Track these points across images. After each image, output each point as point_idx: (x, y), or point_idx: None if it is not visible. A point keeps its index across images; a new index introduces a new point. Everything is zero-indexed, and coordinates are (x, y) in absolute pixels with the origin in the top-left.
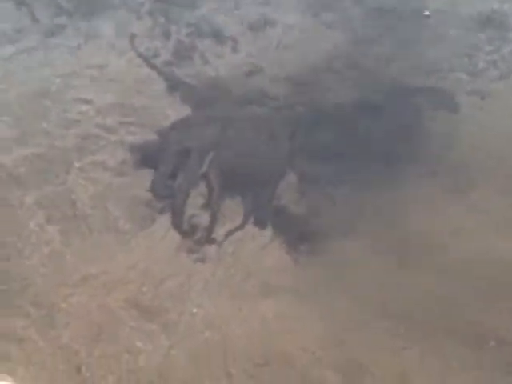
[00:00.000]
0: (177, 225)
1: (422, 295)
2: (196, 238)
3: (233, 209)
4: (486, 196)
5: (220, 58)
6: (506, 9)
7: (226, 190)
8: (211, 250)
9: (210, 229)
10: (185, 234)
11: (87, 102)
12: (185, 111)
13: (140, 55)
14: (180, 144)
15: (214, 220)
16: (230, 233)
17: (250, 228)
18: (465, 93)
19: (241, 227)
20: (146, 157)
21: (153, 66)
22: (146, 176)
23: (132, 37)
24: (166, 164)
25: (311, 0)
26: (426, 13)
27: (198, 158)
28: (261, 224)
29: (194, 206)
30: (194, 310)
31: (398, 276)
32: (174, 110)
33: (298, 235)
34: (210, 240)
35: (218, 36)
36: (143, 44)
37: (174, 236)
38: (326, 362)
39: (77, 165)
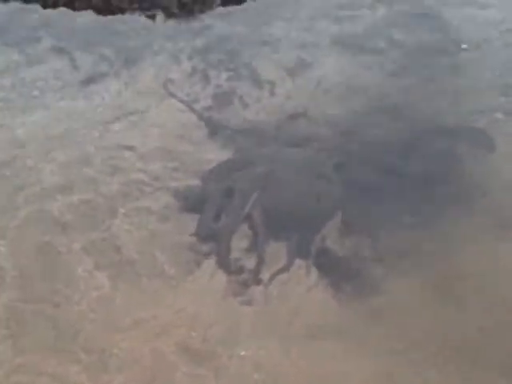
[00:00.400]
0: (224, 265)
1: (470, 333)
2: (242, 280)
3: (277, 251)
4: None
5: (259, 101)
6: None
7: (270, 232)
8: (257, 292)
9: (256, 270)
10: (233, 274)
11: (130, 148)
12: (227, 155)
13: (181, 101)
14: (224, 186)
15: (260, 261)
16: (274, 275)
17: (295, 270)
18: (502, 133)
19: (285, 270)
20: (190, 202)
21: (193, 111)
22: (190, 221)
23: (166, 83)
24: (210, 206)
25: (347, 42)
26: (464, 46)
27: (241, 200)
28: (305, 266)
29: (239, 249)
30: (242, 353)
31: (446, 314)
32: (217, 155)
33: (343, 276)
34: (257, 281)
35: (256, 80)
36: (183, 89)
37: (220, 279)
38: None
39: (122, 211)
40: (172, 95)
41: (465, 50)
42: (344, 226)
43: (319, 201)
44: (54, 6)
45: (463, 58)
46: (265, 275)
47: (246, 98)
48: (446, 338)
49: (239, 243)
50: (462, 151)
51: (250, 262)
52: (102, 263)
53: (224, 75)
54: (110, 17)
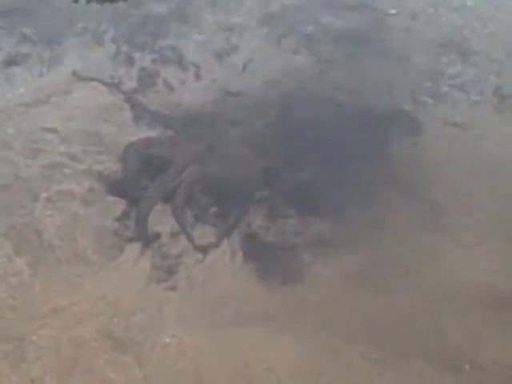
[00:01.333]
0: (140, 234)
1: (397, 319)
2: (166, 266)
3: (204, 233)
4: (455, 219)
5: (183, 84)
6: (465, 33)
7: (200, 213)
8: (181, 278)
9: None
10: (149, 241)
11: (52, 130)
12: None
13: (101, 83)
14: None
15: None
16: (199, 260)
17: (220, 255)
18: (430, 117)
19: (214, 248)
20: (114, 185)
21: (118, 91)
22: (114, 205)
23: (74, 72)
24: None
25: (274, 26)
26: (392, 11)
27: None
28: (231, 251)
29: (165, 233)
30: (167, 341)
31: (373, 301)
32: (138, 137)
33: (269, 262)
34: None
35: (181, 62)
36: (106, 71)
37: (144, 265)
38: None
39: (43, 195)
40: (84, 79)
41: (393, 14)
42: (273, 209)
43: (252, 181)
44: None
45: (391, 43)
46: (189, 260)
47: (171, 81)
48: (374, 326)
49: (164, 227)
50: (391, 134)
51: (175, 248)
52: (22, 248)
53: (148, 57)
54: None
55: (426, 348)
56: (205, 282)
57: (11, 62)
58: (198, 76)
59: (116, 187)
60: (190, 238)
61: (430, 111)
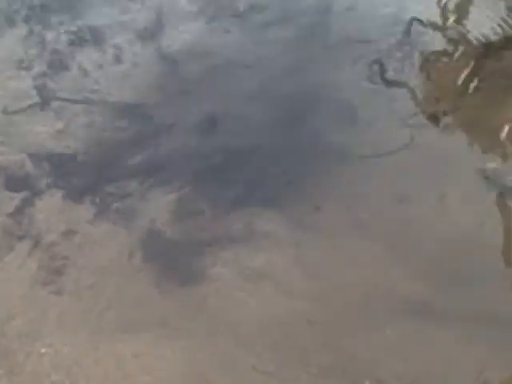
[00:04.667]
0: None
1: (296, 324)
2: (54, 267)
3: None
4: None
5: (101, 68)
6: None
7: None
8: (69, 281)
9: None
10: None
11: None
12: (58, 127)
13: None
14: None
15: None
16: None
17: (117, 255)
18: None
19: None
20: (10, 179)
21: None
22: (8, 200)
23: None
24: None
25: (205, 4)
26: None
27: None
28: (129, 250)
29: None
30: (43, 350)
31: (273, 305)
32: (47, 127)
33: (169, 263)
34: None
35: (100, 44)
36: (16, 54)
37: (31, 266)
38: None
39: None
40: None
41: None
42: (181, 204)
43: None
44: None
45: None
46: (80, 260)
47: (86, 65)
48: (271, 334)
49: (58, 225)
50: None
51: (67, 248)
52: None
53: (64, 38)
54: None
55: (325, 360)
56: (94, 285)
57: None
58: (117, 59)
59: (13, 180)
60: None
61: None
